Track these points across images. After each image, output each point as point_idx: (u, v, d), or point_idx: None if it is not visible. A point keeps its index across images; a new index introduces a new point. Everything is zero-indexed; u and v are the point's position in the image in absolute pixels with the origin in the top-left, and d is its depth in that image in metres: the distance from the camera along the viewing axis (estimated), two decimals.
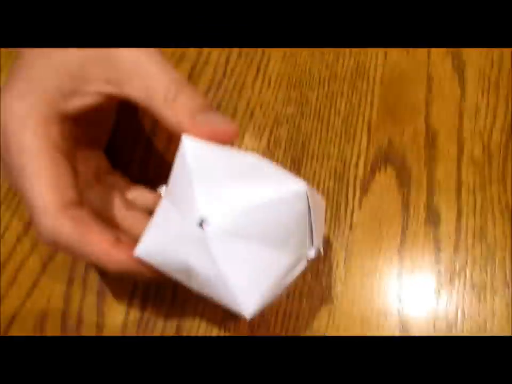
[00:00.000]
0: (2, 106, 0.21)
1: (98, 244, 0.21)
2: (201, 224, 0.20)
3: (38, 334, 0.28)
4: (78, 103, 0.22)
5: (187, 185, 0.21)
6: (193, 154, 0.21)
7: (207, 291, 0.22)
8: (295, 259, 0.23)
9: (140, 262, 0.22)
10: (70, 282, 0.29)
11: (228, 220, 0.20)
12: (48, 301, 0.28)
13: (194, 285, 0.22)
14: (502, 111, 0.31)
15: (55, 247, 0.22)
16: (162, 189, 0.25)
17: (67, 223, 0.21)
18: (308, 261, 0.23)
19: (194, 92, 0.22)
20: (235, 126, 0.22)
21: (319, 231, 0.23)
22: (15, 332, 0.28)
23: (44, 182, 0.21)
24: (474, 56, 0.33)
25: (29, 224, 0.30)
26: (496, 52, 0.33)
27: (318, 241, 0.23)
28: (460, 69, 0.32)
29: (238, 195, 0.20)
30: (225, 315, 0.28)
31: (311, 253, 0.23)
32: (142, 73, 0.22)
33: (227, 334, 0.27)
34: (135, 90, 0.22)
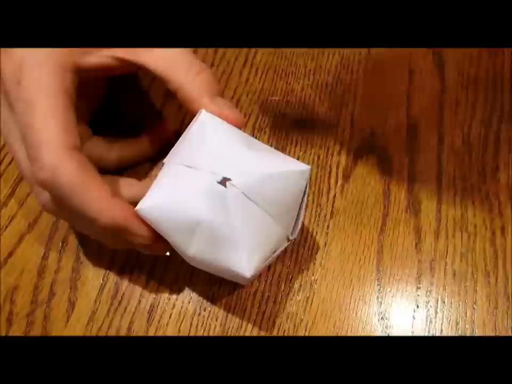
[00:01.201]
0: (22, 49, 0.22)
1: (96, 191, 0.21)
2: (222, 183, 0.22)
3: (7, 305, 0.27)
4: (93, 60, 0.23)
5: (206, 150, 0.22)
6: (212, 124, 0.23)
7: (208, 250, 0.22)
8: (285, 235, 0.24)
9: (136, 218, 0.22)
10: (44, 256, 0.28)
11: (248, 182, 0.22)
12: (21, 272, 0.28)
13: (194, 246, 0.22)
14: (480, 104, 0.32)
15: (50, 187, 0.21)
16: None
17: (71, 163, 0.21)
18: (290, 240, 0.24)
19: (215, 76, 0.24)
20: (244, 119, 0.24)
21: (301, 218, 0.25)
22: None
23: (55, 119, 0.21)
24: (453, 54, 0.34)
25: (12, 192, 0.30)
26: (474, 50, 0.34)
27: (300, 226, 0.25)
28: (440, 65, 0.33)
29: (254, 163, 0.22)
30: (200, 297, 0.27)
31: (295, 234, 0.24)
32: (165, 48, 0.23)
33: (200, 318, 0.27)
34: (154, 60, 0.23)
